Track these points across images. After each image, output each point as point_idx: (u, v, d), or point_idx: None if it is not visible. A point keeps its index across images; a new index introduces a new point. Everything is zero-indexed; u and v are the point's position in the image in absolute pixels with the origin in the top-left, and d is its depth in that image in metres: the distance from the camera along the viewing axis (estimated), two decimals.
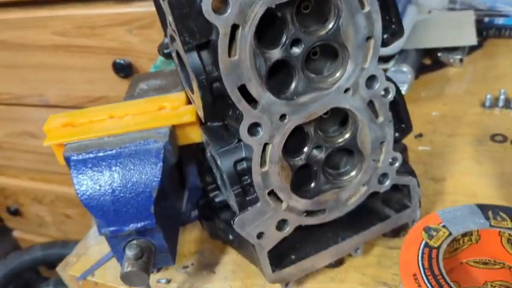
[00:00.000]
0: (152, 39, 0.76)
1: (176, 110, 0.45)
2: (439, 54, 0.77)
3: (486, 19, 0.82)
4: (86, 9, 0.78)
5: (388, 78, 0.40)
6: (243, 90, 0.35)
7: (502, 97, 0.64)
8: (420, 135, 0.63)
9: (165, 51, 0.42)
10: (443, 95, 0.70)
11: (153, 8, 0.74)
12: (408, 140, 0.45)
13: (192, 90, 0.38)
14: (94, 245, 0.56)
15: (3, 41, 0.90)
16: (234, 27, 0.33)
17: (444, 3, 0.89)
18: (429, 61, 0.79)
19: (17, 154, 1.19)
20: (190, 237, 0.55)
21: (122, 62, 0.80)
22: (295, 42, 0.36)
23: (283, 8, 0.34)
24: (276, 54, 0.35)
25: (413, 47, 0.74)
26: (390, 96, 0.40)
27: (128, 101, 0.48)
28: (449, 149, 0.59)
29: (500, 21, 0.80)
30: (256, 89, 0.35)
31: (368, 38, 0.37)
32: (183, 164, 0.52)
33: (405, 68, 0.70)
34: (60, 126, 0.45)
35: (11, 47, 0.90)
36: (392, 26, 0.40)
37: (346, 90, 0.38)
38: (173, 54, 0.40)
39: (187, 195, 0.54)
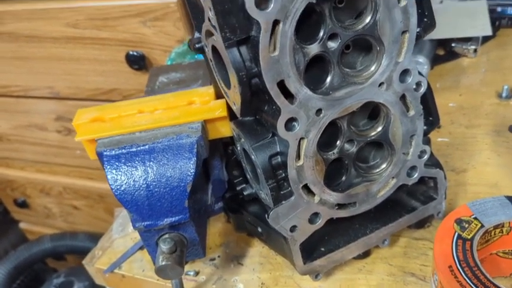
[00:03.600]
0: (166, 31, 0.76)
1: (206, 104, 0.45)
2: (453, 45, 0.77)
3: (499, 9, 0.82)
4: (99, 0, 0.78)
5: (420, 73, 0.40)
6: (281, 85, 0.35)
7: None
8: (438, 126, 0.63)
9: (196, 45, 0.42)
10: (458, 85, 0.71)
11: (166, 0, 0.74)
12: None
13: (228, 85, 0.39)
14: (118, 238, 0.57)
15: (12, 33, 0.89)
16: (275, 23, 0.33)
17: None
18: (442, 52, 0.79)
19: (24, 146, 1.18)
20: (215, 229, 0.55)
21: (135, 53, 0.80)
22: (332, 36, 0.36)
23: (322, 3, 0.34)
24: (314, 49, 0.35)
25: (427, 37, 0.74)
26: (422, 89, 0.41)
27: (156, 96, 0.48)
28: (468, 140, 0.60)
29: None
30: (294, 84, 0.35)
31: (403, 32, 0.37)
32: (208, 157, 0.52)
33: (421, 59, 0.70)
34: (89, 121, 0.45)
35: (20, 39, 0.89)
36: (425, 19, 0.40)
37: (380, 85, 0.39)
38: (207, 49, 0.40)
39: (211, 188, 0.54)
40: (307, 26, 0.35)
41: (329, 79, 0.37)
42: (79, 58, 0.87)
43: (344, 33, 0.36)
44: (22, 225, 1.49)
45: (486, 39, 0.78)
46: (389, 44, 0.37)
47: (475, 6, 0.81)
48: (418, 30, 0.39)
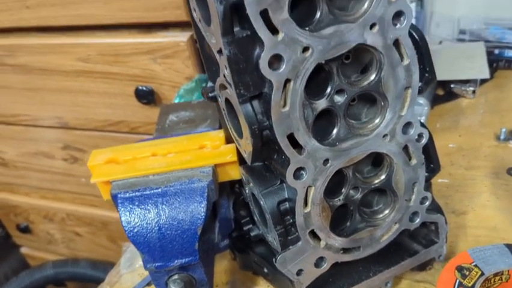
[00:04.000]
0: (175, 68, 0.78)
1: (217, 148, 0.47)
2: (452, 86, 0.80)
3: (496, 51, 0.85)
4: (111, 37, 0.81)
5: (422, 124, 0.43)
6: (290, 137, 0.37)
7: None
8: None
9: (210, 94, 0.44)
10: (458, 126, 0.73)
11: (177, 39, 0.77)
12: None
13: (239, 135, 0.41)
14: (126, 273, 0.58)
15: (26, 65, 0.91)
16: (286, 81, 0.35)
17: (455, 33, 0.92)
18: (442, 92, 0.82)
19: (30, 173, 1.20)
20: (221, 267, 0.56)
21: (144, 88, 0.82)
22: (339, 92, 0.38)
23: (330, 62, 0.36)
24: (322, 104, 0.38)
25: None
26: (424, 140, 0.42)
27: (169, 138, 0.50)
28: (468, 181, 0.62)
29: (510, 53, 0.83)
30: (303, 137, 0.37)
31: (406, 88, 0.39)
32: None
33: (421, 101, 0.72)
34: (103, 162, 0.47)
35: (33, 71, 0.92)
36: (426, 75, 0.42)
37: (384, 136, 0.41)
38: (221, 100, 0.42)
39: (218, 226, 0.56)
40: (315, 82, 0.37)
41: (335, 131, 0.39)
42: (89, 91, 0.90)
43: (350, 89, 0.38)
44: (23, 250, 1.50)
45: (484, 80, 0.81)
46: (392, 99, 0.39)
47: (473, 48, 0.85)
48: (420, 84, 0.41)
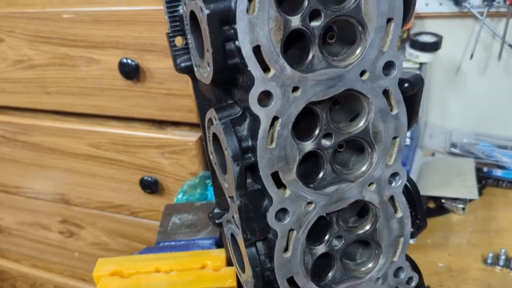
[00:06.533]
0: (181, 163, 0.82)
1: (218, 270, 0.49)
2: (443, 201, 0.83)
3: (485, 169, 0.89)
4: (124, 129, 0.85)
5: (413, 268, 0.46)
6: (290, 279, 0.40)
7: (502, 257, 0.69)
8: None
9: (216, 221, 0.47)
10: (448, 243, 0.76)
11: (186, 138, 0.81)
12: None
13: (242, 269, 0.43)
14: None
15: (37, 144, 0.95)
16: (290, 231, 0.38)
17: (446, 146, 0.98)
18: (433, 205, 0.85)
19: (24, 241, 1.20)
20: None
21: (149, 179, 0.86)
22: (337, 237, 0.41)
23: (331, 214, 0.40)
24: (321, 249, 0.41)
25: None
26: (414, 283, 0.45)
27: (172, 253, 0.53)
28: None
29: (498, 173, 0.88)
30: (302, 280, 0.40)
31: (399, 237, 0.43)
32: None
33: None
34: (109, 274, 0.49)
35: (44, 150, 0.95)
36: (417, 221, 0.46)
37: (377, 280, 0.43)
38: (226, 229, 0.45)
39: None
40: (316, 231, 0.40)
41: (331, 273, 0.42)
42: (95, 174, 0.93)
43: (347, 235, 0.41)
44: None
45: None
46: (386, 247, 0.42)
47: (463, 165, 0.89)
48: (412, 230, 0.45)
